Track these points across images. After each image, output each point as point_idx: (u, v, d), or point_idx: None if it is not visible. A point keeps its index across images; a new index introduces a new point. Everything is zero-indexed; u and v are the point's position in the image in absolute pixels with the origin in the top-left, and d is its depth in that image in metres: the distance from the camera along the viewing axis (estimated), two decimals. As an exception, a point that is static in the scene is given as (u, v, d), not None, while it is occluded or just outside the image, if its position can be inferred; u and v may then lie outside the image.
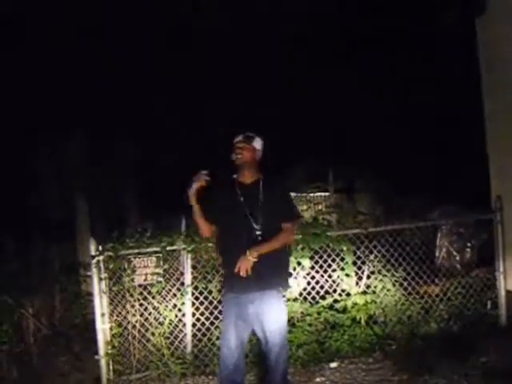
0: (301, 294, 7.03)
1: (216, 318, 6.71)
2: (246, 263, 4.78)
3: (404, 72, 13.25)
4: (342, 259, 7.07)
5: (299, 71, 13.82)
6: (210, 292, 6.71)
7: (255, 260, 4.76)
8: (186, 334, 6.83)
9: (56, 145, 11.80)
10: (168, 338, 6.78)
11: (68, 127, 11.45)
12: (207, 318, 6.75)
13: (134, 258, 6.70)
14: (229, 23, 12.31)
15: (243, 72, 13.17)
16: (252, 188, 5.08)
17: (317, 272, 7.03)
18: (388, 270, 7.23)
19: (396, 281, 7.25)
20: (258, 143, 5.14)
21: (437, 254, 9.52)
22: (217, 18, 12.27)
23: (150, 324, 6.75)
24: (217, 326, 6.69)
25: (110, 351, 6.61)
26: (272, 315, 4.95)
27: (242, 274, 4.78)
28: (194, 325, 6.82)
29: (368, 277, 7.21)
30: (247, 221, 4.94)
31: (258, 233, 4.91)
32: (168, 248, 6.75)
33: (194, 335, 6.84)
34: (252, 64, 13.21)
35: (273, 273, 4.96)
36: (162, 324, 6.75)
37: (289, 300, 6.90)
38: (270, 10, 12.39)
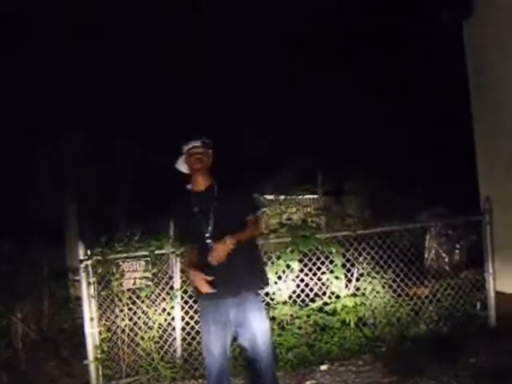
0: (290, 297, 7.02)
1: (205, 321, 6.69)
2: (222, 248, 4.59)
3: (397, 73, 13.28)
4: (332, 262, 7.06)
5: (293, 73, 13.82)
6: (193, 292, 6.67)
7: (232, 247, 4.59)
8: (175, 338, 6.81)
9: (44, 149, 11.76)
10: (157, 342, 6.75)
11: (56, 131, 11.41)
12: (197, 322, 6.69)
13: (123, 262, 6.68)
14: (229, 23, 12.31)
15: (243, 71, 13.17)
16: (206, 194, 4.87)
17: (306, 275, 7.02)
18: (377, 272, 7.24)
19: (385, 283, 7.25)
20: (211, 149, 4.96)
21: (426, 255, 9.54)
22: (217, 18, 12.27)
23: (140, 328, 6.73)
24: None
25: (99, 356, 6.58)
26: (253, 320, 4.79)
27: (215, 260, 4.60)
28: (183, 329, 6.80)
29: (357, 279, 7.21)
30: (206, 227, 4.76)
31: (207, 241, 4.71)
32: (157, 252, 6.72)
33: (184, 339, 6.82)
34: (252, 63, 13.21)
35: (248, 274, 4.79)
36: (151, 328, 6.72)
37: (278, 303, 6.91)
38: (270, 10, 12.41)
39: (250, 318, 4.77)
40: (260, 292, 5.09)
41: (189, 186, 4.99)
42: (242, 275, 4.73)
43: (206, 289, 4.65)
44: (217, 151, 5.01)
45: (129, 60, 11.39)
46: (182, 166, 4.99)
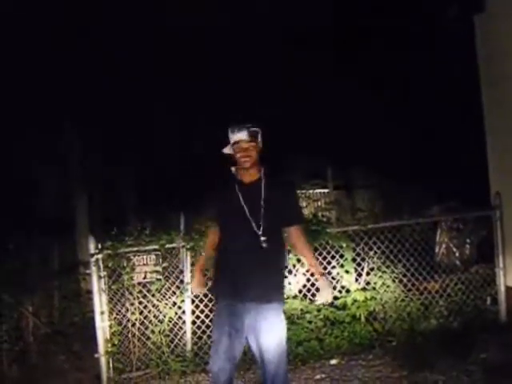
0: (300, 291, 7.02)
1: (216, 315, 6.70)
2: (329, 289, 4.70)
3: (404, 70, 13.25)
4: (342, 256, 7.05)
5: (299, 70, 13.80)
6: (210, 290, 6.68)
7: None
8: (185, 332, 6.82)
9: (56, 144, 11.80)
10: (168, 335, 6.76)
11: (68, 126, 11.45)
12: (207, 316, 6.72)
13: (134, 255, 6.69)
14: (229, 23, 12.30)
15: (243, 71, 13.16)
16: (253, 188, 4.60)
17: (316, 269, 7.02)
18: (387, 267, 7.22)
19: (396, 277, 7.24)
20: (259, 136, 4.65)
21: (436, 250, 9.53)
22: (217, 18, 12.26)
23: (150, 322, 6.74)
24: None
25: (109, 349, 6.60)
26: (270, 330, 4.53)
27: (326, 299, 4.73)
28: (193, 322, 6.81)
29: (367, 273, 7.20)
30: (248, 224, 4.50)
31: (262, 238, 4.47)
32: (167, 246, 6.74)
33: (194, 333, 6.83)
34: (252, 63, 13.19)
35: (273, 283, 4.60)
36: (161, 322, 6.73)
37: (288, 297, 6.89)
38: (270, 10, 12.40)
39: (267, 326, 4.53)
40: (282, 302, 4.79)
41: (233, 170, 4.77)
42: (267, 282, 4.53)
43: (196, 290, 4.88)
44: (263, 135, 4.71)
45: (129, 59, 11.39)
46: (229, 150, 4.73)
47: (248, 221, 4.52)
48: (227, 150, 4.75)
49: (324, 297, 4.76)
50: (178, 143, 13.71)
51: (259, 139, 4.64)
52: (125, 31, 10.96)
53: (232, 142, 4.63)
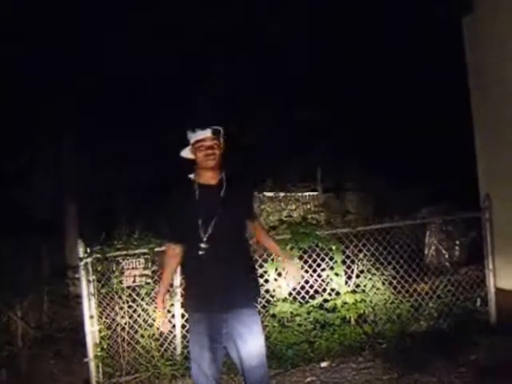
0: (290, 294, 7.02)
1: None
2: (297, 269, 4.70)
3: (397, 72, 13.27)
4: (331, 258, 7.06)
5: (292, 71, 13.82)
6: (183, 305, 6.63)
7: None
8: (175, 336, 6.81)
9: (46, 146, 11.76)
10: (157, 339, 6.74)
11: (59, 129, 11.42)
12: (197, 319, 6.70)
13: (123, 259, 6.68)
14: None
15: (234, 75, 13.15)
16: (212, 191, 4.44)
17: (306, 271, 7.02)
18: (377, 269, 7.24)
19: (385, 279, 7.26)
20: (222, 136, 4.49)
21: (426, 252, 9.58)
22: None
23: (139, 326, 6.72)
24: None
25: (99, 354, 6.57)
26: (249, 335, 4.43)
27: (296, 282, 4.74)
28: (183, 326, 6.79)
29: (357, 276, 7.21)
30: (201, 231, 4.33)
31: (202, 245, 4.30)
32: (156, 249, 6.70)
33: (184, 336, 6.80)
34: (242, 65, 13.19)
35: (244, 286, 4.47)
36: (151, 326, 6.71)
37: (278, 300, 6.90)
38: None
39: (246, 332, 4.42)
40: (256, 304, 4.79)
41: (192, 176, 4.54)
42: (238, 286, 4.40)
43: (164, 328, 4.75)
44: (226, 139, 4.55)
45: (130, 58, 11.37)
46: (188, 154, 4.55)
47: (205, 224, 4.35)
48: (185, 154, 4.59)
49: (295, 278, 4.80)
50: (169, 147, 13.67)
51: (221, 139, 4.49)
52: (124, 32, 10.94)
53: (193, 141, 4.45)
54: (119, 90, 11.46)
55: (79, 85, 10.78)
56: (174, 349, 6.81)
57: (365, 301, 7.13)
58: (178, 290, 6.70)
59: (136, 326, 6.73)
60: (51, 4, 10.00)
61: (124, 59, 11.15)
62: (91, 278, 6.58)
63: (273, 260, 6.89)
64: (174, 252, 4.63)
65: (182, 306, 6.71)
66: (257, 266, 6.38)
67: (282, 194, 17.57)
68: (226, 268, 4.34)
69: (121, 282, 6.66)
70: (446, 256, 9.59)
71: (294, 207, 17.23)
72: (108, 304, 6.71)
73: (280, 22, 12.69)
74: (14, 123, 10.64)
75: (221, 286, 4.33)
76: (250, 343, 4.43)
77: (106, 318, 6.71)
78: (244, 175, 4.87)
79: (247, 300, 4.50)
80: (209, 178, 4.48)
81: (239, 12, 12.32)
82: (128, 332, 6.72)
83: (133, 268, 6.66)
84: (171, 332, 6.78)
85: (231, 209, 4.39)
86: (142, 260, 6.73)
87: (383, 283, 7.24)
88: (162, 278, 4.84)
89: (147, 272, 6.72)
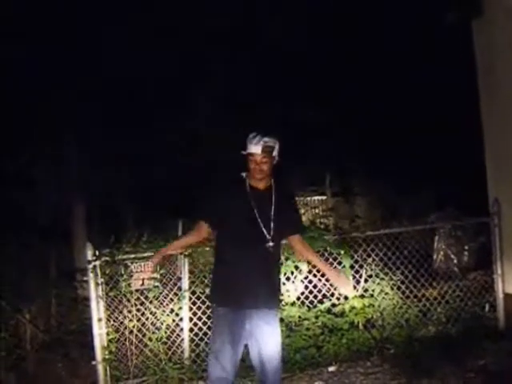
0: (298, 298, 7.00)
1: (214, 322, 6.68)
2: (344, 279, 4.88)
3: (403, 75, 13.25)
4: (340, 263, 7.04)
5: (297, 72, 13.82)
6: (208, 296, 6.65)
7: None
8: (183, 339, 6.80)
9: (47, 147, 11.76)
10: (165, 343, 6.73)
11: (59, 129, 11.43)
12: (205, 323, 6.69)
13: (131, 262, 6.67)
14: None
15: (240, 74, 13.15)
16: (265, 195, 4.63)
17: (314, 276, 7.00)
18: (386, 274, 7.22)
19: (394, 284, 7.24)
20: (276, 150, 4.62)
21: (434, 257, 9.55)
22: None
23: (147, 329, 6.71)
24: (215, 331, 6.65)
25: (107, 357, 6.57)
26: (268, 335, 4.60)
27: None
28: (191, 330, 6.79)
29: (366, 280, 7.19)
30: (257, 230, 4.53)
31: (269, 244, 4.53)
32: (165, 253, 6.71)
33: (192, 340, 6.80)
34: (247, 67, 13.19)
35: (271, 288, 4.66)
36: (159, 329, 6.71)
37: (286, 304, 6.89)
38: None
39: (266, 332, 4.59)
40: (278, 309, 4.95)
41: (244, 175, 4.71)
42: (266, 288, 4.57)
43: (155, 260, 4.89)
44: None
45: (130, 58, 11.40)
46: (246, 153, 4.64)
47: (258, 226, 4.54)
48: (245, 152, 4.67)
49: (345, 289, 5.11)
50: (178, 151, 13.66)
51: (274, 153, 4.61)
52: (124, 32, 10.96)
53: (247, 151, 4.58)
54: (119, 89, 11.47)
55: (79, 85, 10.80)
56: (182, 352, 6.79)
57: (373, 305, 7.11)
58: (187, 294, 6.71)
59: (144, 330, 6.72)
60: (51, 4, 10.04)
61: (124, 59, 11.17)
62: (100, 280, 6.57)
63: (281, 264, 6.88)
64: (202, 231, 4.83)
65: (190, 309, 6.75)
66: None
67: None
68: (266, 268, 4.59)
69: (129, 285, 6.64)
70: (455, 261, 9.57)
71: (302, 211, 17.19)
72: (116, 307, 6.70)
73: (280, 22, 12.70)
74: (14, 123, 10.66)
75: (258, 284, 4.51)
76: (272, 342, 4.62)
77: (114, 321, 6.70)
78: (288, 183, 4.96)
79: (275, 301, 4.77)
80: (259, 182, 4.66)
81: (239, 12, 12.33)
82: (136, 335, 6.71)
83: (141, 271, 6.64)
84: (179, 335, 6.78)
85: (279, 215, 4.60)
86: (151, 263, 6.72)
87: (391, 288, 7.22)
88: (173, 242, 5.02)
89: (156, 275, 6.70)
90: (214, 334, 4.70)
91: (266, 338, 4.59)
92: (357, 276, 7.16)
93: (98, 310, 6.56)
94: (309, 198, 17.99)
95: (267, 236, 4.54)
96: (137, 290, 6.72)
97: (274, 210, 4.59)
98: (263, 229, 4.54)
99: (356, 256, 7.15)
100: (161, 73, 12.12)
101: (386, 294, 7.19)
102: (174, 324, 6.77)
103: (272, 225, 4.56)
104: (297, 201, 5.33)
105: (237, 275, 4.52)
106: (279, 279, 4.97)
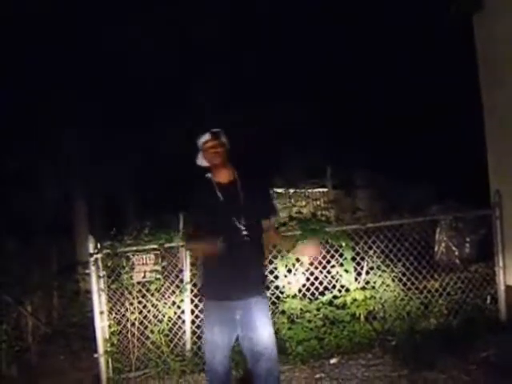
0: (300, 291, 7.02)
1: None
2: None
3: (404, 68, 13.24)
4: (341, 255, 7.05)
5: (295, 67, 13.81)
6: (199, 290, 6.65)
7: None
8: (185, 332, 6.82)
9: (55, 143, 11.78)
10: (167, 335, 6.76)
11: (60, 128, 11.43)
12: (206, 315, 6.71)
13: (133, 255, 6.69)
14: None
15: (239, 71, 13.14)
16: (231, 187, 4.77)
17: (316, 268, 7.02)
18: (387, 266, 7.22)
19: (395, 276, 7.24)
20: (223, 136, 4.84)
21: (436, 249, 9.54)
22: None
23: (149, 321, 6.74)
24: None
25: (109, 349, 6.60)
26: (259, 323, 4.65)
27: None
28: (192, 322, 6.81)
29: (367, 272, 7.19)
30: (231, 222, 4.64)
31: (244, 233, 4.62)
32: (166, 245, 6.74)
33: (193, 332, 6.82)
34: (243, 62, 13.18)
35: (257, 276, 4.74)
36: (160, 321, 6.73)
37: (288, 297, 6.91)
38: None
39: (257, 320, 4.65)
40: (266, 295, 5.03)
41: (209, 175, 4.88)
42: (251, 276, 4.66)
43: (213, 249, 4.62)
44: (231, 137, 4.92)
45: (130, 58, 11.39)
46: (202, 161, 4.91)
47: (230, 218, 4.65)
48: (200, 162, 4.95)
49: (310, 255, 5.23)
50: (177, 144, 13.67)
51: (223, 139, 4.82)
52: (124, 29, 10.94)
53: (200, 146, 4.85)
54: (119, 88, 11.47)
55: (79, 84, 10.80)
56: (184, 344, 6.82)
57: (374, 298, 7.12)
58: (188, 287, 6.72)
59: (146, 322, 6.74)
60: (51, 4, 10.02)
61: (124, 59, 11.17)
62: (101, 273, 6.60)
63: (283, 257, 6.90)
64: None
65: (192, 301, 6.76)
66: (267, 262, 6.46)
67: (291, 191, 17.53)
68: (246, 257, 4.63)
69: (131, 277, 6.67)
70: (456, 253, 9.56)
71: (303, 204, 17.15)
72: (118, 299, 6.73)
73: (280, 22, 12.69)
74: (14, 123, 10.67)
75: (240, 273, 4.60)
76: (262, 328, 4.66)
77: (116, 313, 6.72)
78: (257, 172, 5.01)
79: (261, 288, 4.80)
80: (224, 175, 4.83)
81: (239, 12, 12.32)
82: (138, 327, 6.73)
83: (143, 264, 6.67)
84: (181, 328, 6.80)
85: (250, 204, 4.72)
86: (152, 256, 6.73)
87: (393, 280, 7.22)
88: (197, 240, 4.83)
89: (157, 268, 6.72)
90: (205, 327, 4.82)
91: (256, 325, 4.65)
92: (358, 268, 7.16)
93: (99, 302, 6.58)
94: (310, 191, 17.95)
95: (241, 226, 4.64)
96: (138, 283, 6.74)
97: (242, 200, 4.72)
98: (236, 220, 4.65)
99: (357, 248, 7.16)
100: (160, 73, 12.11)
101: (388, 285, 7.20)
102: (176, 316, 6.79)
103: (243, 214, 4.66)
104: (268, 187, 5.42)
105: (221, 268, 4.61)
106: (264, 266, 5.08)
